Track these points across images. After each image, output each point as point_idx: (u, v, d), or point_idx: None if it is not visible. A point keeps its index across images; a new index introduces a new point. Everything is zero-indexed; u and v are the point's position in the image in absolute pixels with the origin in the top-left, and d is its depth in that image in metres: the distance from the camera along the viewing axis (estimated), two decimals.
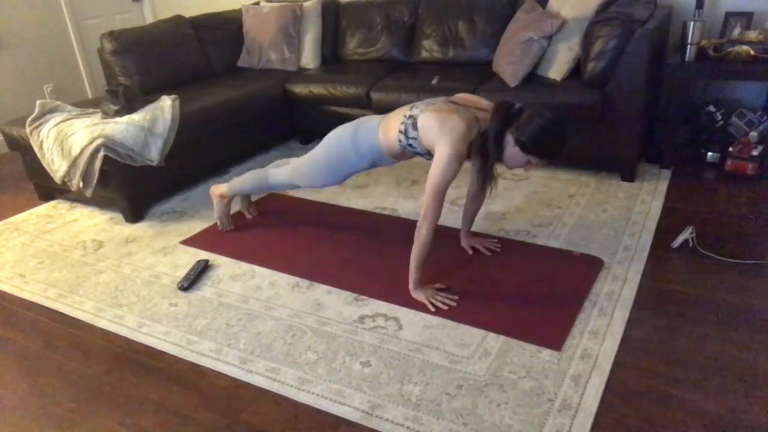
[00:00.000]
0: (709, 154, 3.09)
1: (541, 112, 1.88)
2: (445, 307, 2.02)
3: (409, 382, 1.72)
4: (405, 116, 2.05)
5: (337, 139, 2.24)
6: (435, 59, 3.70)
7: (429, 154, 2.04)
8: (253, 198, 2.96)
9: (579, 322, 1.91)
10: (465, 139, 1.91)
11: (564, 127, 1.91)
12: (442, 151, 1.90)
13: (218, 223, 2.75)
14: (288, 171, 2.45)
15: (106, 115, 2.96)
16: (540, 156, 1.91)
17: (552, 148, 1.90)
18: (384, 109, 3.31)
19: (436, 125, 1.92)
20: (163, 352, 1.97)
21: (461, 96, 2.09)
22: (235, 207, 2.93)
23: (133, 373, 1.89)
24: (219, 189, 2.70)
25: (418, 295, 2.08)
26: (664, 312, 1.95)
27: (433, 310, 2.02)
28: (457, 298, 2.06)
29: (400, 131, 2.06)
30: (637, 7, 2.95)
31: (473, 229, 2.47)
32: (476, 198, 2.33)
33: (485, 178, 2.08)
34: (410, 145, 2.05)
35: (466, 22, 3.59)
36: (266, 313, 2.11)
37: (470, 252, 2.36)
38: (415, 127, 2.00)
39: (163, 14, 5.02)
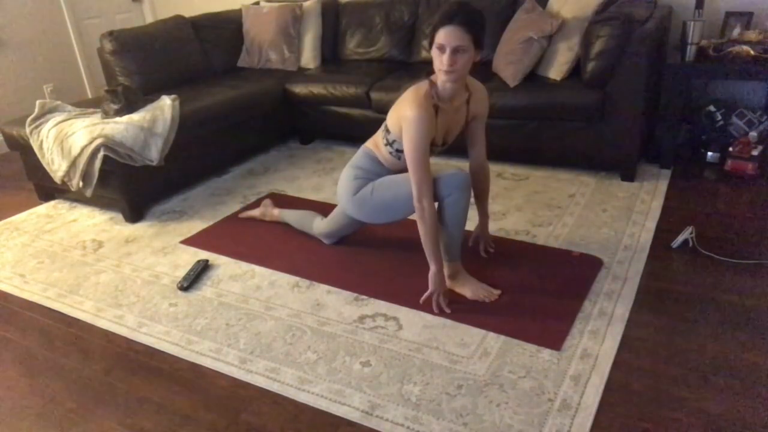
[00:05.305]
0: (709, 154, 3.09)
1: None
2: (448, 311, 2.01)
3: (409, 382, 1.72)
4: (382, 128, 2.14)
5: (346, 182, 2.24)
6: None
7: None
8: (253, 199, 2.94)
9: (579, 322, 1.91)
10: (425, 99, 1.91)
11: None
12: (407, 115, 1.90)
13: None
14: (326, 223, 2.48)
15: (106, 114, 2.96)
16: (436, 22, 1.90)
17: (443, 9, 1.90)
18: (384, 108, 3.32)
19: (392, 110, 2.04)
20: (163, 352, 1.97)
21: None
22: (235, 206, 2.94)
23: (133, 373, 1.89)
24: (274, 213, 2.74)
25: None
26: (664, 312, 1.95)
27: (437, 311, 2.01)
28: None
29: (385, 140, 2.12)
30: (637, 7, 2.95)
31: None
32: (478, 171, 2.22)
33: (467, 130, 2.15)
34: (398, 150, 2.09)
35: None
36: (266, 313, 2.11)
37: (470, 244, 2.35)
38: (387, 129, 2.09)
39: (163, 14, 5.03)
